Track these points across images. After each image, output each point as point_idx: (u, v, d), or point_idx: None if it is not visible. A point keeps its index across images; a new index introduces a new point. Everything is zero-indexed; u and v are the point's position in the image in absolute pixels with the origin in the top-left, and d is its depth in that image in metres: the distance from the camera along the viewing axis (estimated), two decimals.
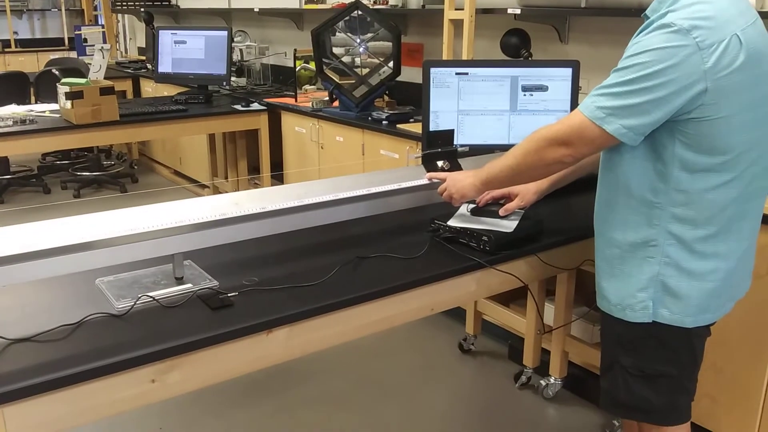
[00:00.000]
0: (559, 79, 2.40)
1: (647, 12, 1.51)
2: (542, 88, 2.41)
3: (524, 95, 2.41)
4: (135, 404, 1.34)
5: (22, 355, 1.28)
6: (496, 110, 2.43)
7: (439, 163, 2.00)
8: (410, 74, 4.05)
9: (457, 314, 3.33)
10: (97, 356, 1.27)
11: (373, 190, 1.84)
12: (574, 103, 2.41)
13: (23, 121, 3.77)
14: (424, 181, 1.94)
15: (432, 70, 2.42)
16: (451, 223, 1.88)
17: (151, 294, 1.49)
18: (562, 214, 2.15)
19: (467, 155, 2.19)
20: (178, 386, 1.37)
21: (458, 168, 2.01)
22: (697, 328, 1.58)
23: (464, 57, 3.32)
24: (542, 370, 2.87)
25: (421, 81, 2.45)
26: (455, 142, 2.44)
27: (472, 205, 1.96)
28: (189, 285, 1.55)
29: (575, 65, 2.40)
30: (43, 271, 1.38)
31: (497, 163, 1.71)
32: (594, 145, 1.50)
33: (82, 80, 3.95)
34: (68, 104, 3.73)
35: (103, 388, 1.28)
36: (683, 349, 1.61)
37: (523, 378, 2.90)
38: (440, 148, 2.02)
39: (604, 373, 1.72)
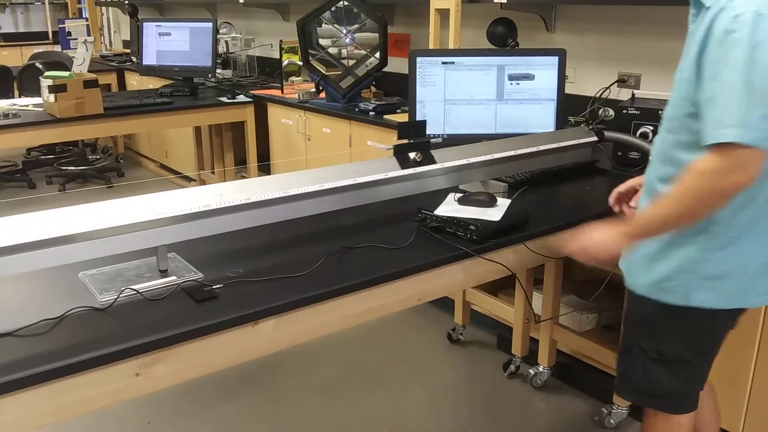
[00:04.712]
0: (545, 68, 2.40)
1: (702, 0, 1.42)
2: (529, 77, 2.40)
3: (511, 84, 2.40)
4: (119, 398, 1.32)
5: (4, 350, 1.26)
6: (482, 99, 2.42)
7: (411, 155, 1.92)
8: (397, 65, 4.03)
9: (445, 304, 3.33)
10: (80, 350, 1.25)
11: (360, 180, 1.82)
12: (560, 92, 2.41)
13: (6, 115, 3.72)
14: (410, 171, 1.91)
15: (418, 59, 2.41)
16: (438, 212, 1.87)
17: (134, 287, 1.47)
18: (549, 202, 2.15)
19: (443, 145, 2.14)
20: (162, 380, 1.36)
21: (431, 159, 1.94)
22: (725, 317, 1.58)
23: (451, 46, 3.31)
24: (531, 359, 2.87)
25: (407, 71, 2.44)
26: (442, 132, 2.44)
27: (459, 194, 1.95)
28: (173, 277, 1.53)
29: (562, 54, 2.40)
30: (24, 264, 1.35)
31: (649, 213, 1.54)
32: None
33: (66, 73, 3.91)
34: (51, 98, 3.68)
35: (86, 383, 1.26)
36: (707, 335, 1.61)
37: (512, 367, 2.90)
38: (412, 140, 1.95)
39: (622, 356, 1.73)
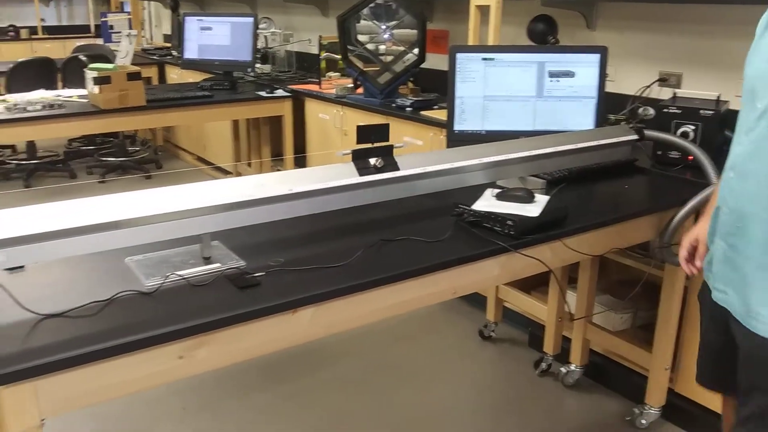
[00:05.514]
0: (586, 65, 2.39)
1: None
2: (569, 74, 2.39)
3: (551, 81, 2.40)
4: (163, 380, 1.36)
5: (54, 330, 1.30)
6: (521, 96, 2.42)
7: (372, 161, 1.80)
8: (435, 61, 4.04)
9: (477, 301, 3.33)
10: (127, 332, 1.29)
11: (398, 174, 1.84)
12: (601, 90, 2.39)
13: (51, 106, 3.82)
14: (448, 166, 1.92)
15: (458, 55, 2.42)
16: (476, 207, 1.88)
17: (179, 273, 1.51)
18: (588, 200, 2.15)
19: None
20: (204, 363, 1.40)
21: (394, 166, 1.81)
22: None
23: (490, 44, 3.31)
24: (562, 357, 2.87)
25: (446, 68, 2.44)
26: (480, 128, 2.45)
27: (497, 190, 1.96)
28: (217, 265, 1.57)
29: (603, 51, 2.38)
30: (73, 248, 1.39)
31: None
32: None
33: (110, 65, 3.99)
34: (96, 89, 3.77)
35: (132, 364, 1.31)
36: None
37: (543, 365, 2.90)
38: (373, 144, 1.83)
39: (746, 422, 1.52)
